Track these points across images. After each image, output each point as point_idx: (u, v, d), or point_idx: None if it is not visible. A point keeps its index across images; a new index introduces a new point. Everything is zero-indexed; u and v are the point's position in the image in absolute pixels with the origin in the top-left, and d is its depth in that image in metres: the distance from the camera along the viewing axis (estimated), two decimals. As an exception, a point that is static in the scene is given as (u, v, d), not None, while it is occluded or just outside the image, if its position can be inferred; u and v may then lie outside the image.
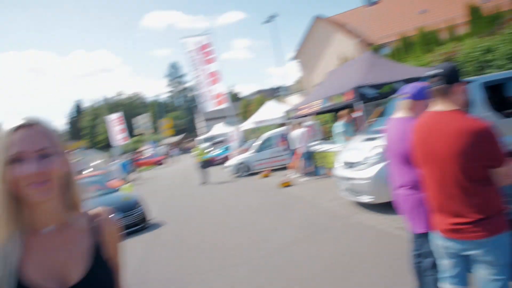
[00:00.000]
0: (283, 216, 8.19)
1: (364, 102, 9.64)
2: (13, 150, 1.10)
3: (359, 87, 9.38)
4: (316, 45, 27.22)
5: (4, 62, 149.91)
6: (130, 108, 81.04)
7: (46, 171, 1.11)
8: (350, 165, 7.38)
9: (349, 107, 10.92)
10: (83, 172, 21.82)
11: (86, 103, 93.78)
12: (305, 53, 28.88)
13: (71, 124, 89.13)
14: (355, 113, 10.18)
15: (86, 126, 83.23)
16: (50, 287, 1.12)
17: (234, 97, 63.35)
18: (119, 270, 1.35)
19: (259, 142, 17.64)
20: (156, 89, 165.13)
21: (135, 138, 58.08)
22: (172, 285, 5.47)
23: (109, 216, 1.34)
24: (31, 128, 1.14)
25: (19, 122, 1.15)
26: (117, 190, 10.95)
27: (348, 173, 7.33)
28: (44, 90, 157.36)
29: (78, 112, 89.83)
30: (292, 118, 14.46)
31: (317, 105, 11.64)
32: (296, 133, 12.84)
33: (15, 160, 1.10)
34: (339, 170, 7.81)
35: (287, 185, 11.84)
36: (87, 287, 1.16)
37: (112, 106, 78.86)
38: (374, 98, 9.61)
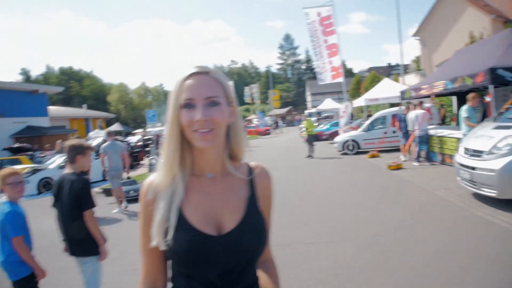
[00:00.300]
0: (392, 199, 7.90)
1: (497, 86, 8.70)
2: (184, 95, 1.16)
3: (494, 68, 8.46)
4: (442, 21, 24.96)
5: (132, 30, 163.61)
6: (242, 77, 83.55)
7: (212, 119, 1.15)
8: (474, 153, 6.79)
9: (476, 90, 9.94)
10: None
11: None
12: (428, 29, 26.69)
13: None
14: (488, 97, 9.21)
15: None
16: (206, 230, 1.18)
17: (347, 73, 61.61)
18: (269, 225, 1.37)
19: (369, 120, 17.05)
20: (266, 60, 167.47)
21: (243, 107, 59.99)
22: (276, 253, 5.65)
23: (266, 171, 1.37)
24: (203, 76, 1.19)
25: (193, 70, 1.20)
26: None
27: (471, 162, 6.76)
28: (166, 56, 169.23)
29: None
30: (408, 99, 13.65)
31: (438, 86, 10.82)
32: (412, 114, 12.11)
33: (186, 105, 1.16)
34: (460, 158, 7.24)
35: (397, 167, 11.35)
36: (240, 235, 1.19)
37: (226, 74, 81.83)
38: (511, 82, 8.62)
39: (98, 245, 3.73)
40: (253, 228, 1.23)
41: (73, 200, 3.62)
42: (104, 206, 9.97)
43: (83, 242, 3.66)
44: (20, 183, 3.54)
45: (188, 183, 1.24)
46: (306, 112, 27.09)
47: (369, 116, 20.66)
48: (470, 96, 9.30)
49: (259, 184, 1.32)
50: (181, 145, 1.21)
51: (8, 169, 3.60)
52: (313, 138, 16.88)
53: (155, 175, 1.27)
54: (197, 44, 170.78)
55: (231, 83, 1.32)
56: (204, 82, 1.18)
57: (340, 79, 16.07)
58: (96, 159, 15.67)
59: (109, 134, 9.69)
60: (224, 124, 1.20)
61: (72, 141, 3.98)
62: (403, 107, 13.59)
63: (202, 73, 1.20)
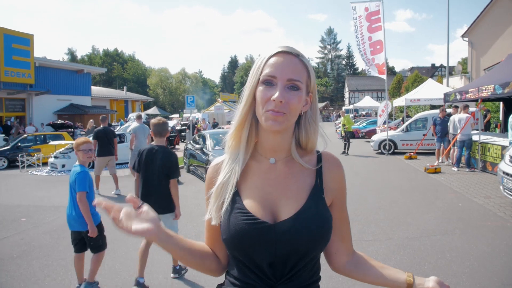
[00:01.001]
0: (428, 203, 7.69)
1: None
2: (267, 71, 1.11)
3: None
4: (494, 23, 23.88)
5: (175, 16, 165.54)
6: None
7: (288, 103, 1.09)
8: (521, 163, 6.50)
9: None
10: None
11: (241, 60, 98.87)
12: (478, 31, 25.62)
13: (224, 77, 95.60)
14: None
15: (237, 82, 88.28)
16: (260, 215, 1.13)
17: (388, 72, 60.25)
18: (345, 220, 1.30)
19: (409, 121, 16.62)
20: (306, 53, 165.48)
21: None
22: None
23: (337, 161, 1.28)
24: (291, 57, 1.13)
25: (282, 48, 1.14)
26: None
27: (517, 171, 6.47)
28: (207, 44, 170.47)
29: (233, 67, 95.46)
30: (452, 101, 13.19)
31: (487, 90, 10.38)
32: (456, 118, 11.71)
33: (266, 82, 1.11)
34: (505, 166, 6.94)
35: (435, 171, 11.02)
36: (295, 226, 1.11)
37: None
38: None
39: (175, 206, 4.44)
40: (313, 220, 1.13)
41: (165, 169, 4.36)
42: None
43: (165, 202, 4.40)
44: (90, 150, 4.20)
45: (249, 166, 1.21)
46: (343, 108, 26.72)
47: (408, 116, 20.15)
48: None
49: (327, 175, 1.24)
50: (251, 122, 1.17)
51: (82, 138, 4.26)
52: (349, 135, 16.66)
53: (219, 159, 1.28)
54: (238, 33, 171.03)
55: None
56: (291, 63, 1.13)
57: (383, 76, 15.67)
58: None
59: (138, 117, 10.40)
60: (298, 111, 1.14)
61: (162, 119, 4.66)
62: (446, 110, 13.14)
63: (291, 54, 1.14)
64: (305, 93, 1.16)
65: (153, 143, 4.61)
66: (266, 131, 1.16)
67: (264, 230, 1.11)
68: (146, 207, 1.10)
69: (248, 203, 1.15)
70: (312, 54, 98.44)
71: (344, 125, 16.72)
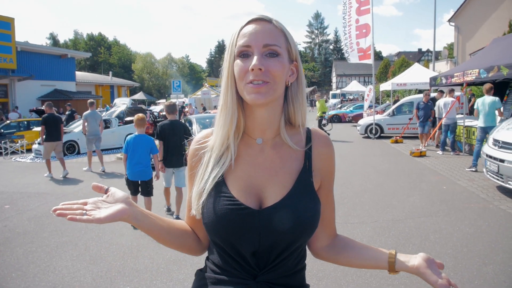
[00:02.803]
0: (413, 186, 7.78)
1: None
2: (241, 42, 1.04)
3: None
4: (480, 7, 24.00)
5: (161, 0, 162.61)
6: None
7: (269, 70, 1.01)
8: (504, 145, 6.59)
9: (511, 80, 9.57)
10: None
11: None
12: (465, 16, 25.72)
13: (211, 62, 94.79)
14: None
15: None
16: (245, 201, 1.05)
17: (375, 56, 60.50)
18: (331, 204, 1.22)
19: (395, 105, 16.72)
20: (294, 37, 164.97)
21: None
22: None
23: (326, 140, 1.19)
24: (265, 23, 1.05)
25: (253, 16, 1.07)
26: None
27: (500, 154, 6.56)
28: (193, 28, 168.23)
29: (220, 51, 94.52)
30: (438, 85, 13.27)
31: (472, 75, 10.45)
32: (441, 102, 11.80)
33: (241, 54, 1.03)
34: (489, 149, 7.03)
35: (420, 155, 11.14)
36: (282, 212, 1.04)
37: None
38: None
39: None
40: (300, 206, 1.05)
41: (186, 133, 6.19)
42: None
43: (182, 158, 6.15)
44: (146, 123, 6.03)
45: (238, 148, 1.12)
46: (330, 93, 26.73)
47: (396, 101, 20.26)
48: (486, 86, 9.04)
49: (316, 155, 1.15)
50: (236, 103, 1.07)
51: (140, 114, 6.01)
52: (324, 120, 16.72)
53: (202, 134, 1.18)
54: (225, 17, 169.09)
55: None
56: (265, 28, 1.04)
57: (369, 61, 15.65)
58: (119, 125, 15.95)
59: (91, 104, 10.93)
60: (282, 80, 1.04)
61: (172, 101, 6.59)
62: (430, 94, 13.23)
63: (264, 20, 1.06)
64: (288, 60, 1.07)
65: (168, 119, 6.26)
66: (251, 108, 1.08)
67: (248, 216, 1.03)
68: (113, 189, 1.04)
69: (233, 188, 1.07)
70: (300, 38, 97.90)
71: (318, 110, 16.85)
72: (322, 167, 1.16)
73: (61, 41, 78.83)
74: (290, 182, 1.09)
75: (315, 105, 19.85)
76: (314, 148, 1.16)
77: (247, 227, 1.03)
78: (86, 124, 10.62)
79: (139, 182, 5.87)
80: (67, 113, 17.00)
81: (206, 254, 1.24)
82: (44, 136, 10.00)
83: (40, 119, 10.69)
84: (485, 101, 8.78)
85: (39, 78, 28.27)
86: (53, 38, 78.43)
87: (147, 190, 5.91)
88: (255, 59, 1.00)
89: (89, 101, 11.21)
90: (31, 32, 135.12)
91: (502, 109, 8.99)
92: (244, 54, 1.03)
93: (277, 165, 1.11)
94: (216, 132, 1.11)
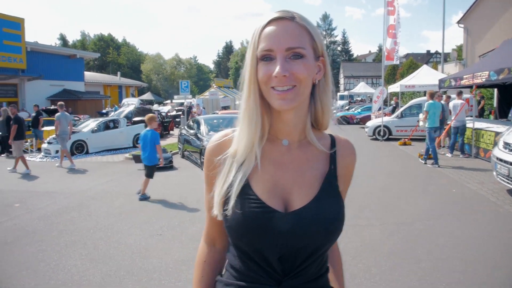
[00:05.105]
0: (422, 188, 7.73)
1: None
2: (262, 46, 0.98)
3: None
4: (490, 9, 23.78)
5: (166, 0, 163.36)
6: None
7: (293, 74, 0.97)
8: (514, 148, 6.53)
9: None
10: (228, 109, 23.33)
11: (236, 45, 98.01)
12: (474, 17, 25.49)
13: (218, 63, 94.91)
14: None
15: (232, 67, 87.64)
16: (271, 203, 1.02)
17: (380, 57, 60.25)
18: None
19: (404, 107, 16.63)
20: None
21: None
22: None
23: (351, 147, 1.18)
24: (286, 22, 1.00)
25: (274, 15, 1.01)
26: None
27: (511, 157, 6.50)
28: (200, 28, 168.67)
29: (228, 52, 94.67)
30: (446, 88, 13.18)
31: (481, 77, 10.37)
32: (450, 104, 11.72)
33: (264, 57, 0.99)
34: (499, 152, 6.97)
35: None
36: (310, 216, 1.01)
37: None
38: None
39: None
40: (327, 210, 1.04)
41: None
42: (134, 172, 10.20)
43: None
44: (155, 121, 7.52)
45: (263, 150, 1.07)
46: (338, 94, 26.63)
47: (396, 103, 20.18)
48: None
49: (341, 160, 1.13)
50: (262, 106, 1.02)
51: (151, 114, 7.65)
52: None
53: (220, 135, 1.13)
54: (232, 18, 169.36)
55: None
56: (287, 29, 0.99)
57: (392, 62, 15.65)
58: (127, 125, 16.04)
59: (61, 106, 11.84)
60: (309, 81, 1.00)
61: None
62: (441, 97, 13.14)
63: (285, 19, 1.00)
64: (314, 59, 1.02)
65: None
66: (276, 110, 1.03)
67: (275, 219, 1.00)
68: None
69: (258, 189, 1.03)
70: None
71: None
72: (345, 173, 1.15)
73: (70, 42, 79.41)
74: (316, 184, 1.07)
75: None
76: (339, 153, 1.14)
77: (274, 230, 0.99)
78: (58, 125, 11.46)
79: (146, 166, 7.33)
80: (32, 114, 17.04)
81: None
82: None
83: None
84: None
85: (48, 78, 28.46)
86: (63, 39, 79.08)
87: (150, 173, 7.36)
88: (278, 67, 0.96)
89: (59, 103, 12.08)
90: (40, 33, 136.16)
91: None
92: (266, 57, 0.99)
93: (304, 166, 1.08)
94: (239, 137, 1.06)
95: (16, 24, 26.07)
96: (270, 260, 1.02)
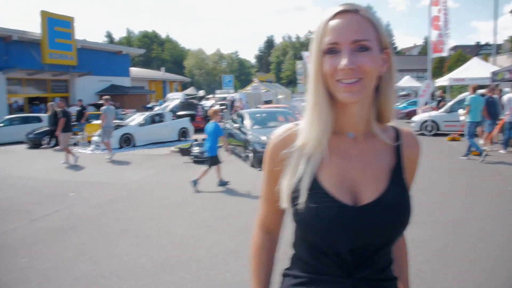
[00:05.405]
0: (474, 185, 7.43)
1: None
2: (327, 39, 1.00)
3: None
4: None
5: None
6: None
7: (360, 67, 0.97)
8: None
9: None
10: (267, 104, 23.35)
11: (278, 39, 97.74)
12: (531, 6, 24.12)
13: (260, 58, 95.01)
14: None
15: (273, 62, 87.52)
16: (341, 198, 1.03)
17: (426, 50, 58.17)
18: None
19: (453, 101, 16.01)
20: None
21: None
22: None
23: (416, 138, 1.18)
24: (351, 15, 1.01)
25: (338, 8, 1.02)
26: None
27: None
28: (241, 23, 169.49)
29: (269, 46, 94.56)
30: (500, 81, 12.57)
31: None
32: (504, 98, 11.16)
33: (329, 50, 1.00)
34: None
35: (474, 153, 10.60)
36: (381, 210, 1.02)
37: (302, 44, 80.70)
38: None
39: None
40: (397, 202, 1.05)
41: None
42: (180, 165, 10.45)
43: None
44: (220, 115, 8.22)
45: (328, 143, 1.08)
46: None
47: (441, 97, 19.43)
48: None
49: (406, 152, 1.14)
50: (325, 99, 1.04)
51: (215, 108, 8.61)
52: None
53: (283, 129, 1.14)
54: (273, 12, 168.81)
55: (307, 53, 1.08)
56: (352, 22, 1.00)
57: (439, 54, 15.14)
58: (172, 119, 16.43)
59: (106, 100, 12.26)
60: (374, 74, 1.01)
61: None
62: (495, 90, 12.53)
63: (350, 12, 1.01)
64: (379, 51, 1.02)
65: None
66: (342, 104, 1.04)
67: (346, 213, 1.01)
68: None
69: (327, 184, 1.04)
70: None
71: None
72: (410, 166, 1.14)
73: (116, 39, 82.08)
74: (384, 177, 1.07)
75: None
76: (404, 145, 1.14)
77: (347, 225, 1.01)
78: (104, 118, 11.91)
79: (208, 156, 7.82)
80: (77, 108, 17.62)
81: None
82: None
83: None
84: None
85: (97, 74, 29.62)
86: (109, 36, 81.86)
87: (213, 162, 7.79)
88: (344, 58, 0.97)
89: (104, 97, 12.45)
90: (88, 31, 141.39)
91: None
92: (332, 50, 1.00)
93: (371, 159, 1.09)
94: (306, 131, 1.07)
95: (67, 22, 27.29)
96: (342, 253, 1.03)
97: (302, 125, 1.10)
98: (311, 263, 1.08)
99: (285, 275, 1.17)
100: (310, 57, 1.06)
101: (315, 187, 1.04)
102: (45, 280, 4.03)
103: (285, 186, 1.08)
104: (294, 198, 1.06)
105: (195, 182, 7.55)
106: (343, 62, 0.96)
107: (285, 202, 1.09)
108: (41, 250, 4.85)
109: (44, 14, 25.78)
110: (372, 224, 1.01)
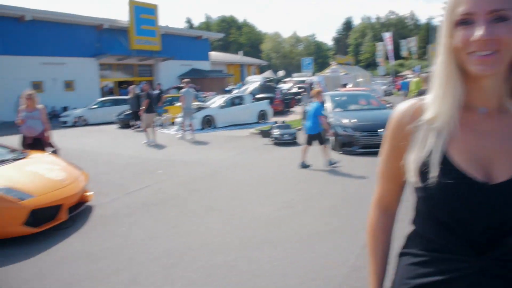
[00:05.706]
0: None
1: None
2: (461, 9, 0.94)
3: None
4: None
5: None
6: (399, 29, 77.66)
7: (496, 38, 0.90)
8: None
9: None
10: (348, 87, 22.75)
11: (356, 21, 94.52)
12: None
13: (337, 40, 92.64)
14: None
15: (351, 44, 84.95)
16: (473, 175, 0.97)
17: None
18: None
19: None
20: (428, 10, 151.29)
21: (398, 61, 56.36)
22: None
23: None
24: None
25: None
26: (384, 108, 11.02)
27: None
28: (317, 5, 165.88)
29: (347, 28, 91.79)
30: None
31: None
32: None
33: (462, 21, 0.94)
34: None
35: None
36: None
37: (383, 25, 77.37)
38: None
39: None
40: None
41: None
42: (261, 146, 10.55)
43: None
44: (322, 96, 8.23)
45: (459, 118, 1.03)
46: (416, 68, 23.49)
47: None
48: None
49: None
50: (455, 72, 0.99)
51: (318, 89, 8.41)
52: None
53: (407, 105, 1.11)
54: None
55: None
56: None
57: None
58: (252, 102, 16.62)
59: (186, 83, 12.87)
60: (510, 46, 0.92)
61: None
62: None
63: None
64: None
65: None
66: (474, 77, 0.98)
67: (480, 191, 0.95)
68: None
69: (458, 160, 0.99)
70: (436, 12, 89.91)
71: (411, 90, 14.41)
72: None
73: (195, 24, 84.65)
74: None
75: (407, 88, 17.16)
76: None
77: (481, 202, 0.95)
78: (184, 100, 12.37)
79: (310, 135, 7.77)
80: (155, 92, 18.13)
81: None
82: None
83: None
84: None
85: (179, 58, 30.85)
86: (189, 22, 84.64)
87: (319, 141, 7.73)
88: (480, 29, 0.90)
89: (184, 80, 12.93)
90: (169, 18, 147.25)
91: None
92: (465, 21, 0.93)
93: (506, 135, 1.00)
94: (436, 104, 1.03)
95: (151, 10, 28.67)
96: (474, 231, 0.97)
97: (431, 99, 1.05)
98: (435, 241, 1.03)
99: (402, 254, 1.14)
100: (440, 29, 1.01)
101: (446, 162, 0.99)
102: (140, 250, 4.27)
103: (412, 160, 1.04)
104: (423, 173, 1.01)
105: (303, 164, 7.69)
106: (479, 32, 0.90)
107: (413, 177, 1.04)
108: (135, 221, 5.16)
109: (132, 3, 27.39)
110: (509, 203, 0.94)
